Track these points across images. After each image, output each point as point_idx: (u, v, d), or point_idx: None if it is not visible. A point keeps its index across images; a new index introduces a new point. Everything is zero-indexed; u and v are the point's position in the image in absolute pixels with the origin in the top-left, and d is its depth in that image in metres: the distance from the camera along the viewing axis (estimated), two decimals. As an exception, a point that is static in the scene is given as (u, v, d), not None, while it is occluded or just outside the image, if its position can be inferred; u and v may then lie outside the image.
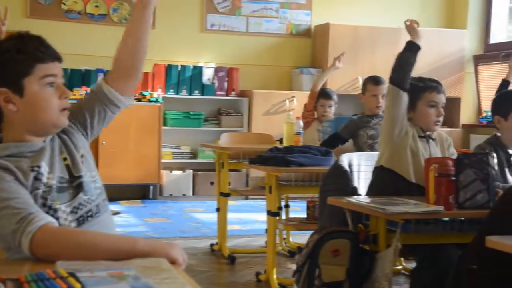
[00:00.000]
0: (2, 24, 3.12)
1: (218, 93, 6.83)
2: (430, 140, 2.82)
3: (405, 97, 2.73)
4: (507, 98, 2.88)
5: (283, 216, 4.34)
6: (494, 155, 2.68)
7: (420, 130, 2.81)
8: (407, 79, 2.71)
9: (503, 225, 2.03)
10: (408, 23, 2.83)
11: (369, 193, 2.89)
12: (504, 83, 4.93)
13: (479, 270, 2.02)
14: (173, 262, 1.35)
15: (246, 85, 6.94)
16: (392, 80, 2.74)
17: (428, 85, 2.80)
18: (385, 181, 2.79)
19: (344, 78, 6.81)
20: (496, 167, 2.65)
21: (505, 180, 2.72)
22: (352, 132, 3.89)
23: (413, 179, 2.73)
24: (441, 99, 2.80)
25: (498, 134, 2.87)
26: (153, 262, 1.29)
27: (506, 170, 2.77)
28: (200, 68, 6.77)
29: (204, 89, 6.77)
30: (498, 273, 1.93)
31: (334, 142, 3.95)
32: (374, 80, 3.96)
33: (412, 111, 2.79)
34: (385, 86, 3.90)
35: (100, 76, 6.45)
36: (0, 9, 3.23)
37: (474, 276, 2.04)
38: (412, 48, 2.76)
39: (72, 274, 1.14)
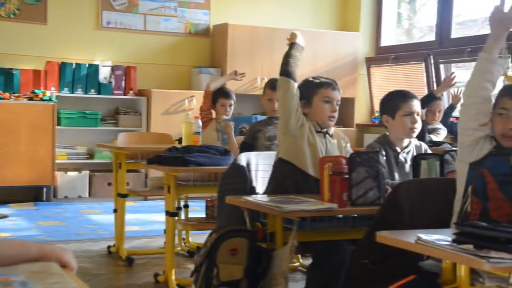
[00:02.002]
0: None
1: (115, 92, 6.69)
2: (327, 136, 2.92)
3: (295, 88, 2.88)
4: (394, 98, 3.00)
5: (183, 216, 4.32)
6: (384, 153, 2.80)
7: (317, 125, 2.90)
8: (294, 70, 2.91)
9: (391, 220, 2.13)
10: (289, 36, 3.04)
11: (269, 186, 2.94)
12: (429, 95, 5.19)
13: (370, 264, 2.10)
14: (64, 266, 1.30)
15: (144, 84, 6.84)
16: (281, 72, 2.91)
17: (323, 82, 2.93)
18: (283, 173, 2.86)
19: (243, 79, 6.85)
20: (385, 165, 2.77)
21: (392, 177, 2.84)
22: (252, 136, 3.94)
23: (311, 172, 2.81)
24: (336, 95, 2.92)
25: (387, 133, 2.99)
26: (42, 267, 1.24)
27: (394, 167, 2.89)
28: (96, 67, 6.60)
29: (100, 88, 6.61)
30: (387, 266, 2.01)
31: (246, 150, 4.00)
32: (271, 85, 4.03)
33: (308, 106, 2.89)
34: None
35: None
36: None
37: (365, 270, 2.11)
38: (293, 46, 2.98)
39: (-48, 283, 1.07)
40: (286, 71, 2.91)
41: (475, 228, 1.61)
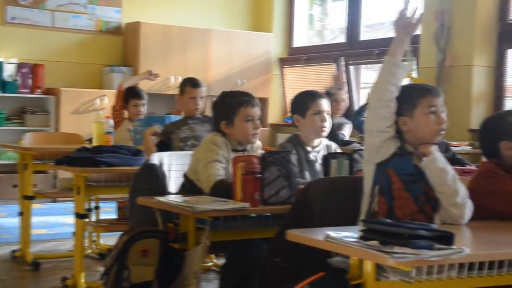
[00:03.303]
0: None
1: (21, 90, 6.43)
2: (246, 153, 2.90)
3: None
4: (304, 98, 3.04)
5: (93, 218, 4.22)
6: (295, 152, 2.84)
7: (237, 144, 2.86)
8: None
9: (302, 219, 2.16)
10: None
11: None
12: (326, 92, 5.27)
13: (281, 262, 2.13)
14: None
15: (53, 82, 6.62)
16: None
17: (243, 101, 2.86)
18: (189, 192, 2.79)
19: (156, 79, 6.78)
20: (296, 164, 2.81)
21: (303, 176, 2.89)
22: (166, 137, 3.91)
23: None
24: (256, 112, 2.88)
25: (298, 133, 3.04)
26: None
27: (305, 167, 2.94)
28: (0, 64, 6.32)
29: (5, 86, 6.33)
30: (298, 264, 2.04)
31: (162, 150, 3.96)
32: (192, 83, 4.01)
33: (230, 127, 2.83)
34: (203, 88, 3.96)
35: None
36: None
37: (276, 269, 2.14)
38: None
39: None
40: None
41: (380, 224, 1.66)
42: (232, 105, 2.84)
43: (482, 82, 5.42)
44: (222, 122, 2.83)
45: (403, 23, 2.16)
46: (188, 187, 2.82)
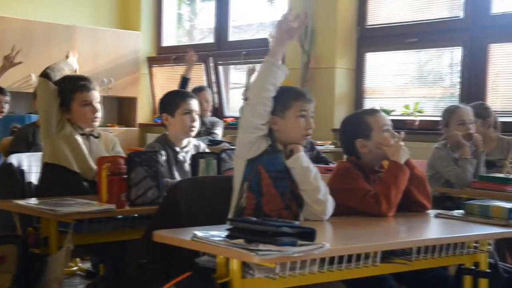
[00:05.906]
0: None
1: None
2: (91, 138, 2.92)
3: (55, 90, 2.88)
4: (173, 97, 3.04)
5: None
6: (163, 152, 2.82)
7: (79, 128, 2.90)
8: (55, 74, 2.94)
9: (170, 219, 2.15)
10: None
11: (40, 189, 2.84)
12: (184, 79, 5.25)
13: (148, 263, 2.10)
14: None
15: None
16: (42, 74, 2.91)
17: (79, 85, 2.91)
18: (52, 175, 2.80)
19: (16, 75, 6.41)
20: (165, 164, 2.79)
21: (172, 176, 2.87)
22: (27, 143, 3.74)
23: (77, 169, 2.81)
24: (94, 96, 2.93)
25: (167, 133, 3.02)
26: None
27: (174, 167, 2.92)
28: None
29: None
30: (165, 265, 2.03)
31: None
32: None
33: (67, 112, 2.88)
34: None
35: None
36: None
37: (142, 270, 2.11)
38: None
39: None
40: (45, 72, 2.89)
41: (246, 223, 1.69)
42: (66, 90, 2.89)
43: (344, 83, 5.69)
44: (59, 108, 2.88)
45: (285, 26, 2.21)
46: (51, 173, 2.80)
